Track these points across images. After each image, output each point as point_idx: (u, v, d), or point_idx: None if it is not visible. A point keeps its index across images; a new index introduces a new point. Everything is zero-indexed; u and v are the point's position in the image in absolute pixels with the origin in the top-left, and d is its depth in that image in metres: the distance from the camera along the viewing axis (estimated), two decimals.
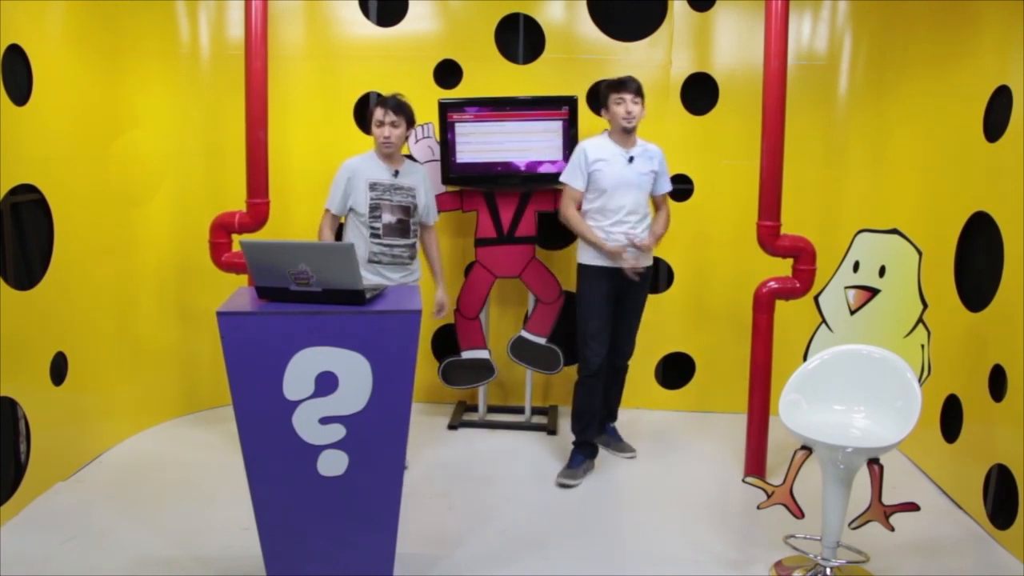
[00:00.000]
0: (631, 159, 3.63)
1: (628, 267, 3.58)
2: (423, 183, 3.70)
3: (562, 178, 3.72)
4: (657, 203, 3.81)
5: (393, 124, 3.53)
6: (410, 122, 3.60)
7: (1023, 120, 3.14)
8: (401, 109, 3.54)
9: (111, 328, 3.93)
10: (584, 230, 3.65)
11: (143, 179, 4.10)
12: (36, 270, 3.43)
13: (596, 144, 3.68)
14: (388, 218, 3.56)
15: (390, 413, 2.53)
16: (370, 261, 3.54)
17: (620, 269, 3.61)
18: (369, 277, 3.49)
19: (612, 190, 3.62)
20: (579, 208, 3.70)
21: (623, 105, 3.58)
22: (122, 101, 3.95)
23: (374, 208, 3.54)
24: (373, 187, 3.55)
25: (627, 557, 3.14)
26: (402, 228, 3.59)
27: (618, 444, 4.06)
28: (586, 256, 3.70)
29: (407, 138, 3.67)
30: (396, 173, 3.61)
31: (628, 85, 3.60)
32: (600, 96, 3.70)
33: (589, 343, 3.70)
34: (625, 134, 3.64)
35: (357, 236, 3.57)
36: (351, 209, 3.59)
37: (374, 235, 3.55)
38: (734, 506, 3.52)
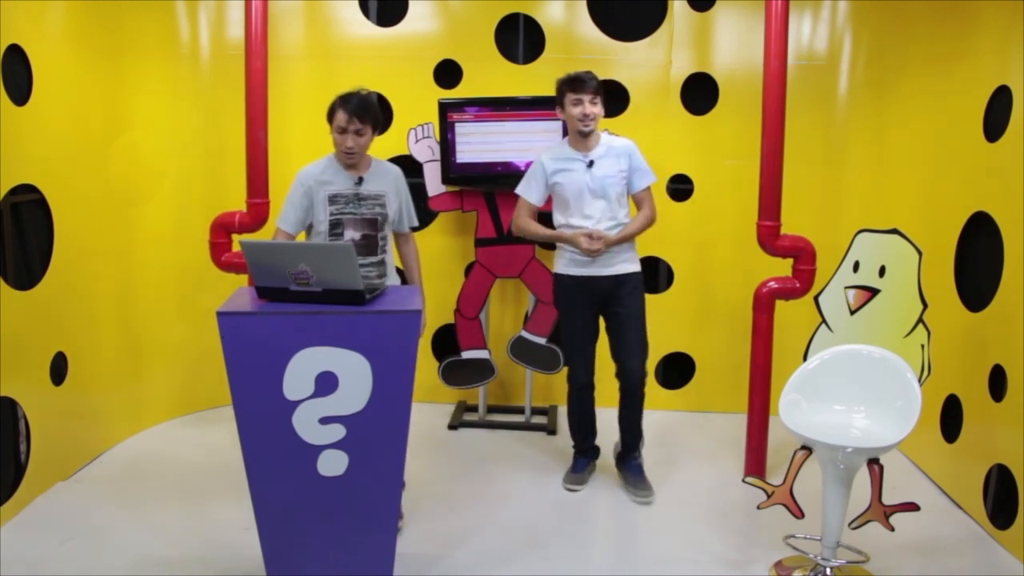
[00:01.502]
0: (590, 163, 3.39)
1: (583, 247, 3.33)
2: (395, 186, 3.21)
3: (516, 189, 3.53)
4: (638, 201, 3.50)
5: (358, 132, 3.02)
6: (376, 125, 3.10)
7: (1023, 120, 3.14)
8: (367, 113, 3.03)
9: (111, 328, 3.93)
10: (537, 230, 3.48)
11: (143, 179, 4.10)
12: (36, 270, 3.43)
13: (554, 155, 3.47)
14: (351, 234, 3.09)
15: (390, 413, 2.52)
16: None
17: (597, 276, 3.43)
18: None
19: (575, 201, 3.40)
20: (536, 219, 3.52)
21: (580, 107, 3.31)
22: (122, 101, 3.95)
23: (335, 225, 3.08)
24: (333, 200, 3.08)
25: (627, 557, 3.14)
26: (368, 245, 3.12)
27: (636, 481, 3.58)
28: (559, 264, 3.51)
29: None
30: (360, 180, 3.12)
31: (586, 84, 3.31)
32: (556, 95, 3.43)
33: (573, 358, 3.61)
34: (582, 137, 3.40)
35: None
36: (309, 226, 3.16)
37: None
38: (734, 506, 3.51)
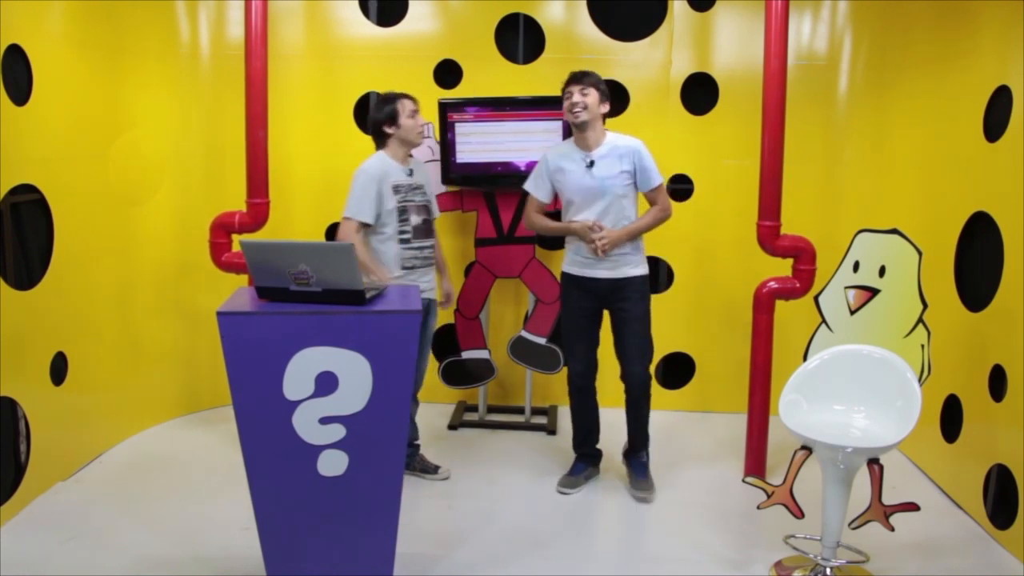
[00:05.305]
0: (591, 163, 3.38)
1: (594, 239, 3.34)
2: (428, 178, 3.62)
3: (525, 185, 3.57)
4: (649, 200, 3.48)
5: (420, 113, 3.49)
6: None
7: (1023, 120, 3.14)
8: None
9: (111, 328, 3.93)
10: (546, 224, 3.53)
11: (143, 179, 4.10)
12: (36, 270, 3.43)
13: (558, 152, 3.49)
14: (415, 220, 3.46)
15: (390, 413, 2.52)
16: (403, 268, 3.44)
17: (597, 278, 3.43)
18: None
19: (576, 201, 3.42)
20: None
21: (569, 99, 3.35)
22: (122, 101, 3.95)
23: (402, 212, 3.42)
24: (396, 189, 3.42)
25: (627, 557, 3.14)
26: (427, 228, 3.52)
27: (637, 480, 3.61)
28: (565, 262, 3.55)
29: None
30: (411, 172, 3.51)
31: (575, 78, 3.36)
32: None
33: (569, 359, 3.64)
34: (580, 132, 3.38)
35: (379, 251, 3.42)
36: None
37: (404, 241, 3.43)
38: (734, 506, 3.51)
